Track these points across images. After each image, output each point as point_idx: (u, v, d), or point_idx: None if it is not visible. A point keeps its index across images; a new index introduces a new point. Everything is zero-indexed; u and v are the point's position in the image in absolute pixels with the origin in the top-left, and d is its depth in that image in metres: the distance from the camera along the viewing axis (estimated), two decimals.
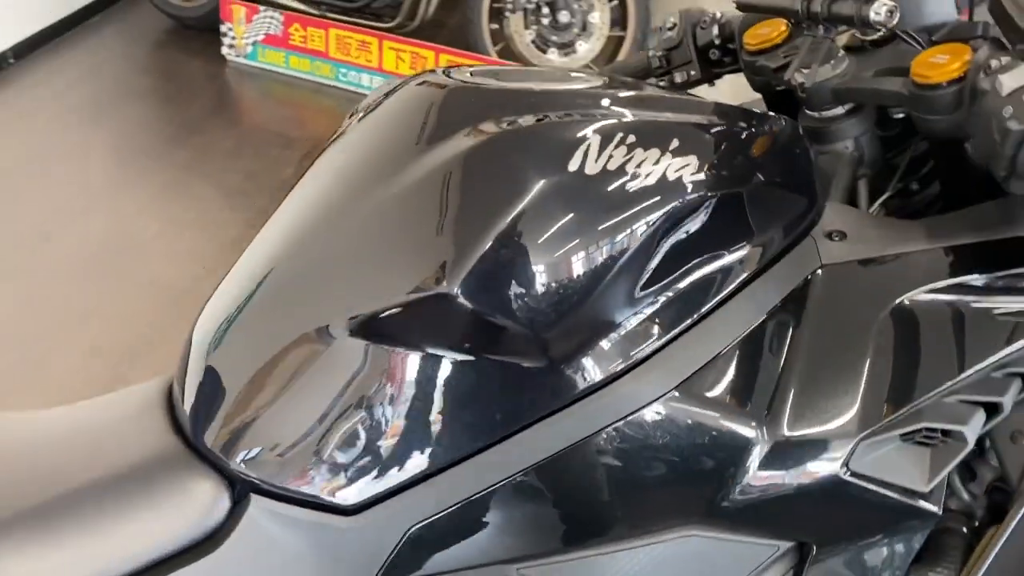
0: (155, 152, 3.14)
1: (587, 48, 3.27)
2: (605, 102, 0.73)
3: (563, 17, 3.21)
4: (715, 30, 1.03)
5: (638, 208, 0.66)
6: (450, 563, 0.70)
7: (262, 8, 3.51)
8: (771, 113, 0.85)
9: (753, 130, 0.77)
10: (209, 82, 3.62)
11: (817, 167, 0.84)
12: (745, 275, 0.73)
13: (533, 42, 3.28)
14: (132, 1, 3.99)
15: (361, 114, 0.78)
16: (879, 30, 0.82)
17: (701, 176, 0.68)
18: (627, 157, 0.66)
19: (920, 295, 0.74)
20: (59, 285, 2.49)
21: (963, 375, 0.72)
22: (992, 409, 0.73)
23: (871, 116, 0.89)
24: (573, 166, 0.65)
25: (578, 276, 0.65)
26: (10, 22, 3.52)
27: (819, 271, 0.76)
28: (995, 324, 0.74)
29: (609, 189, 0.66)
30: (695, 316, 0.71)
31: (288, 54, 3.53)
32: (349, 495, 0.68)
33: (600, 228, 0.65)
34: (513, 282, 0.64)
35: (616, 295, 0.67)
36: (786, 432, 0.70)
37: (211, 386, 0.70)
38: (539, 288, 0.64)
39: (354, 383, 0.67)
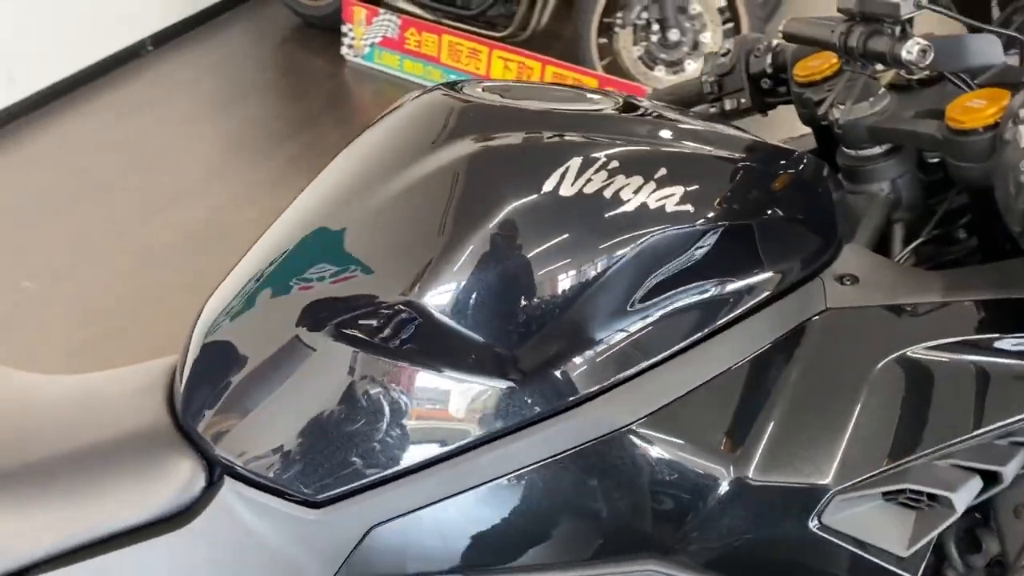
0: (267, 144, 3.29)
1: (695, 67, 3.22)
2: (604, 126, 0.72)
3: (673, 35, 3.17)
4: (768, 59, 1.00)
5: (613, 233, 0.66)
6: (408, 566, 0.71)
7: (382, 11, 3.62)
8: (794, 149, 0.83)
9: (765, 165, 0.75)
10: (327, 80, 3.76)
11: (843, 207, 0.81)
12: (740, 310, 0.72)
13: (640, 58, 3.26)
14: (263, 2, 4.19)
15: (376, 121, 0.80)
16: (913, 70, 0.79)
17: (688, 207, 0.67)
18: (606, 182, 0.66)
19: (925, 349, 0.70)
20: (164, 259, 2.65)
21: (960, 438, 0.68)
22: (991, 478, 0.68)
23: (911, 158, 0.85)
24: (548, 187, 0.65)
25: (545, 296, 0.65)
26: (152, 13, 3.76)
27: (822, 314, 0.73)
28: (1003, 388, 0.69)
29: (583, 213, 0.66)
30: (677, 346, 0.69)
31: (403, 57, 3.62)
32: (317, 489, 0.70)
33: (572, 250, 0.65)
34: (478, 296, 0.64)
35: (589, 317, 0.66)
36: (755, 475, 0.68)
37: (204, 370, 0.73)
38: (504, 304, 0.65)
39: (331, 385, 0.69)
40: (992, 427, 0.68)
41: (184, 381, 0.74)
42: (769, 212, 0.73)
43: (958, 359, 0.69)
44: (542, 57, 3.32)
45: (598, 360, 0.67)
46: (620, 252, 0.65)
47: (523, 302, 0.65)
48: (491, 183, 0.66)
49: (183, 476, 0.70)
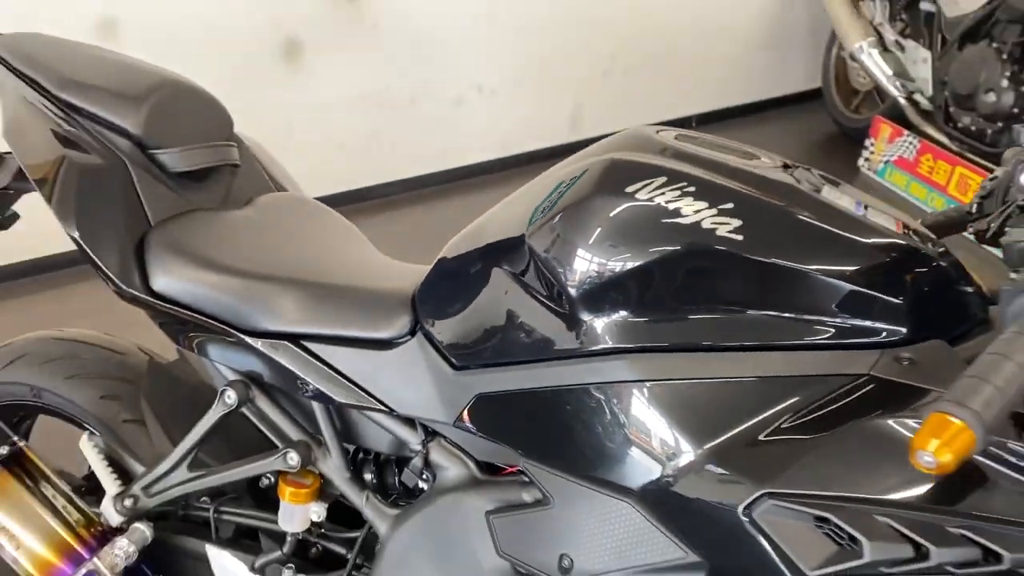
0: None
1: None
2: (731, 173, 0.90)
3: None
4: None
5: (664, 236, 0.85)
6: (491, 432, 0.98)
7: (905, 132, 3.67)
8: (929, 242, 0.89)
9: (854, 241, 0.85)
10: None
11: (954, 307, 0.86)
12: (778, 342, 0.84)
13: None
14: (810, 107, 4.49)
15: None
16: None
17: (738, 236, 0.83)
18: (676, 198, 0.85)
19: None
20: None
21: (904, 502, 0.73)
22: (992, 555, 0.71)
23: None
24: (630, 190, 0.87)
25: (603, 265, 0.87)
26: (697, 96, 4.32)
27: (858, 377, 0.81)
28: (973, 485, 0.71)
29: (647, 214, 0.86)
30: (707, 342, 0.85)
31: (911, 179, 3.62)
32: (458, 358, 1.00)
33: (631, 239, 0.86)
34: (559, 247, 0.89)
35: (636, 292, 0.86)
36: (714, 460, 0.81)
37: (432, 279, 1.08)
38: (574, 259, 0.88)
39: (490, 298, 0.98)
40: (940, 509, 0.71)
41: (421, 282, 1.09)
42: (830, 272, 0.83)
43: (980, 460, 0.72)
44: None
45: (634, 326, 0.86)
46: (664, 252, 0.85)
47: (588, 262, 0.87)
48: (600, 180, 0.90)
49: (401, 323, 1.06)
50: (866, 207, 0.94)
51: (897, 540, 0.73)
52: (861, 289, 0.84)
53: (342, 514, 1.20)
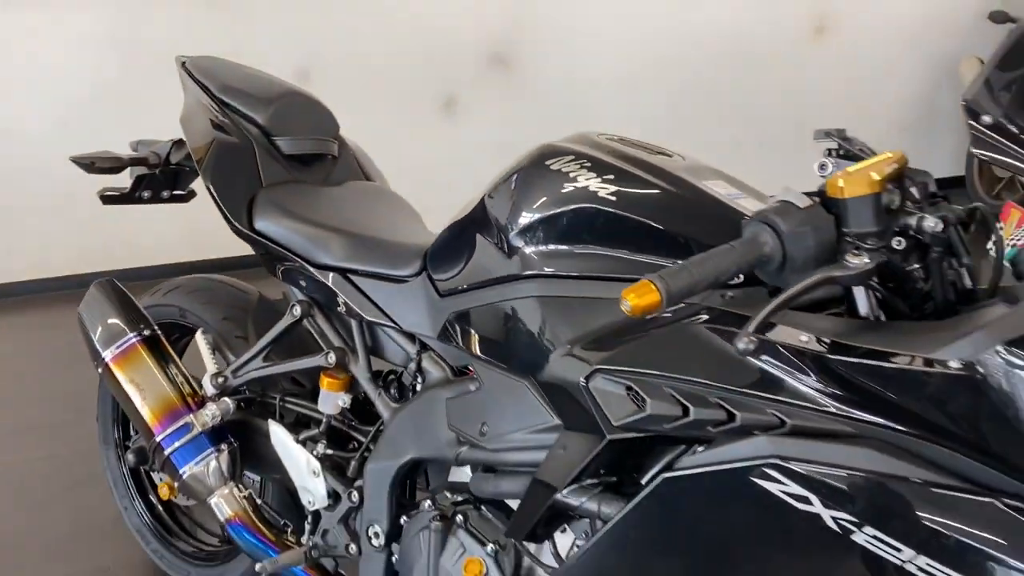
0: None
1: None
2: (638, 161, 1.22)
3: None
4: None
5: (561, 193, 1.20)
6: (456, 338, 1.34)
7: None
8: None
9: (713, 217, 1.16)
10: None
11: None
12: (637, 276, 1.16)
13: None
14: (953, 192, 4.53)
15: None
16: None
17: (613, 197, 1.16)
18: (575, 170, 1.20)
19: None
20: None
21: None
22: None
23: None
24: (547, 163, 1.23)
25: (523, 214, 1.22)
26: None
27: (692, 305, 1.11)
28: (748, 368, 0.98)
29: (552, 177, 1.21)
30: (589, 272, 1.17)
31: None
32: (442, 289, 1.38)
33: (541, 196, 1.21)
34: (500, 203, 1.25)
35: (545, 232, 1.20)
36: (575, 349, 1.13)
37: (440, 235, 1.46)
38: (508, 211, 1.23)
39: (466, 244, 1.36)
40: (701, 382, 0.99)
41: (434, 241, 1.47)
42: (678, 230, 1.13)
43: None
44: None
45: (541, 256, 1.19)
46: (561, 205, 1.19)
47: (520, 216, 1.23)
48: (533, 157, 1.26)
49: (415, 268, 1.45)
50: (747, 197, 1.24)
51: (671, 402, 1.03)
52: (702, 242, 1.14)
53: (363, 416, 1.60)
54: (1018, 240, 3.76)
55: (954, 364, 0.86)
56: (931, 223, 0.96)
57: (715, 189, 1.22)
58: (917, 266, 1.00)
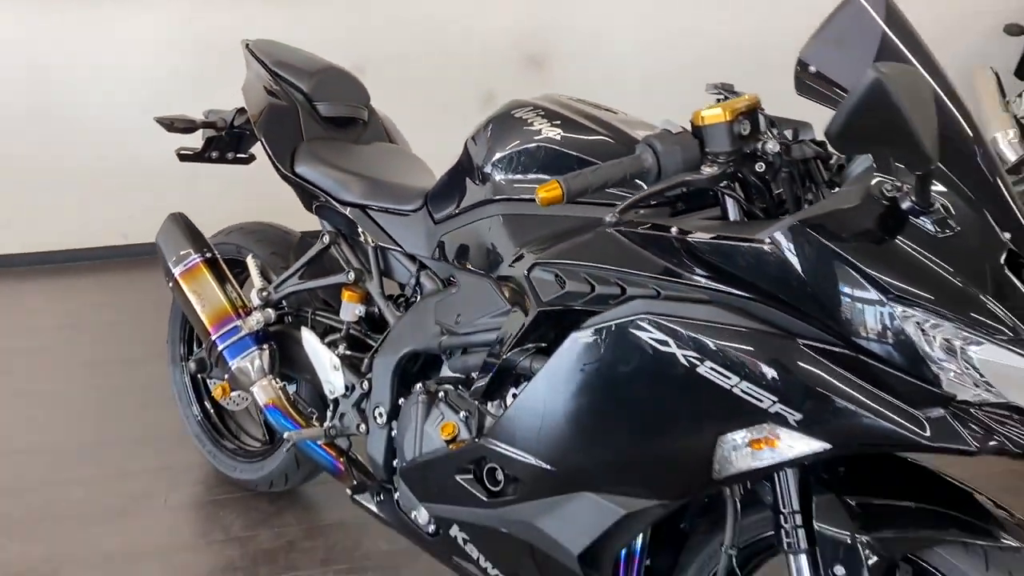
0: None
1: None
2: (589, 117, 1.57)
3: None
4: None
5: (519, 134, 1.55)
6: (444, 254, 1.71)
7: None
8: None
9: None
10: None
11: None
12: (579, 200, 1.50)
13: None
14: None
15: None
16: None
17: (559, 138, 1.51)
18: (532, 118, 1.56)
19: None
20: None
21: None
22: None
23: None
24: (513, 113, 1.58)
25: (490, 150, 1.58)
26: None
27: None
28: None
29: (515, 123, 1.56)
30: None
31: None
32: (436, 216, 1.76)
33: (505, 137, 1.56)
34: (477, 144, 1.61)
35: (506, 164, 1.55)
36: (523, 251, 1.48)
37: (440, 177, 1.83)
38: (481, 148, 1.59)
39: (455, 182, 1.73)
40: (602, 267, 1.33)
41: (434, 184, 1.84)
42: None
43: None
44: None
45: (505, 183, 1.55)
46: (518, 142, 1.54)
47: (488, 152, 1.59)
48: (503, 109, 1.62)
49: (419, 203, 1.82)
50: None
51: (583, 283, 1.37)
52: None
53: (375, 326, 1.97)
54: None
55: (766, 241, 1.19)
56: (771, 146, 1.29)
57: (638, 133, 1.56)
58: (766, 178, 1.32)
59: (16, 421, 2.85)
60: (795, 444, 1.18)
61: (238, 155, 2.40)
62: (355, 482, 1.90)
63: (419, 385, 1.74)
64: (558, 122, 1.56)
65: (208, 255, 2.10)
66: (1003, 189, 1.21)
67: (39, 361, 3.25)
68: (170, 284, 2.11)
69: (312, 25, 3.94)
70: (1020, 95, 4.21)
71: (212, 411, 2.47)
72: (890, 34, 1.31)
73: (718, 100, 1.49)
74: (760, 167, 1.31)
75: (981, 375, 1.11)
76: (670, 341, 1.24)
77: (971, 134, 1.22)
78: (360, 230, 1.91)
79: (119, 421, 2.81)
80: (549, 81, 4.14)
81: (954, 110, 1.23)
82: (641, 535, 1.48)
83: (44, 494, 2.46)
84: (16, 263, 4.15)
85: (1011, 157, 4.05)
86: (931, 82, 1.18)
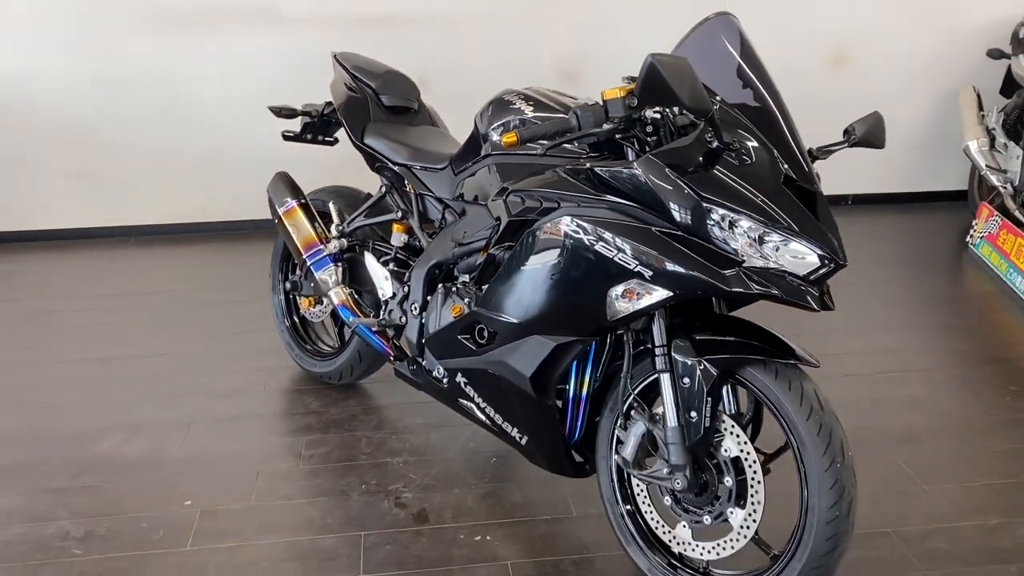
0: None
1: None
2: (545, 96, 2.36)
3: None
4: None
5: (505, 110, 2.34)
6: (464, 197, 2.53)
7: (995, 213, 4.52)
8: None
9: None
10: (949, 257, 4.79)
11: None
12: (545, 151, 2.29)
13: None
14: (957, 204, 5.34)
15: None
16: None
17: (530, 114, 2.30)
18: (515, 100, 2.35)
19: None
20: None
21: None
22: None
23: None
24: (503, 97, 2.38)
25: (485, 123, 2.37)
26: (851, 181, 5.38)
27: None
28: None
29: (504, 104, 2.36)
30: (521, 150, 2.32)
31: (993, 250, 4.46)
32: (456, 170, 2.57)
33: (496, 113, 2.35)
34: (481, 117, 2.41)
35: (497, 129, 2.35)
36: (507, 188, 2.27)
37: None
38: (483, 119, 2.39)
39: (470, 148, 2.54)
40: (552, 192, 2.12)
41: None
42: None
43: None
44: None
45: (494, 144, 2.34)
46: (501, 116, 2.33)
47: (487, 121, 2.38)
48: (497, 95, 2.41)
49: (446, 162, 2.64)
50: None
51: (536, 201, 2.16)
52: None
53: (414, 252, 2.79)
54: (985, 233, 4.60)
55: (634, 168, 1.96)
56: (650, 114, 2.05)
57: (572, 101, 2.34)
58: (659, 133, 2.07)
59: (149, 337, 3.76)
60: (651, 293, 1.94)
61: (326, 138, 3.27)
62: (396, 357, 2.72)
63: (441, 285, 2.55)
64: (532, 103, 2.36)
65: (302, 201, 2.97)
66: (788, 137, 1.94)
67: (165, 300, 4.18)
68: (276, 221, 2.98)
69: (387, 45, 4.82)
70: (991, 111, 4.83)
71: (299, 324, 3.34)
72: (731, 49, 2.05)
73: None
74: (648, 129, 2.07)
75: (763, 250, 1.86)
76: (580, 231, 2.02)
77: (770, 103, 1.96)
78: (406, 182, 2.74)
79: (230, 339, 3.70)
80: (582, 93, 4.93)
81: (762, 90, 1.97)
82: (585, 387, 2.24)
83: (174, 382, 3.36)
84: (142, 232, 5.14)
85: (981, 163, 4.68)
86: (690, 65, 1.87)
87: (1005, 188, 4.57)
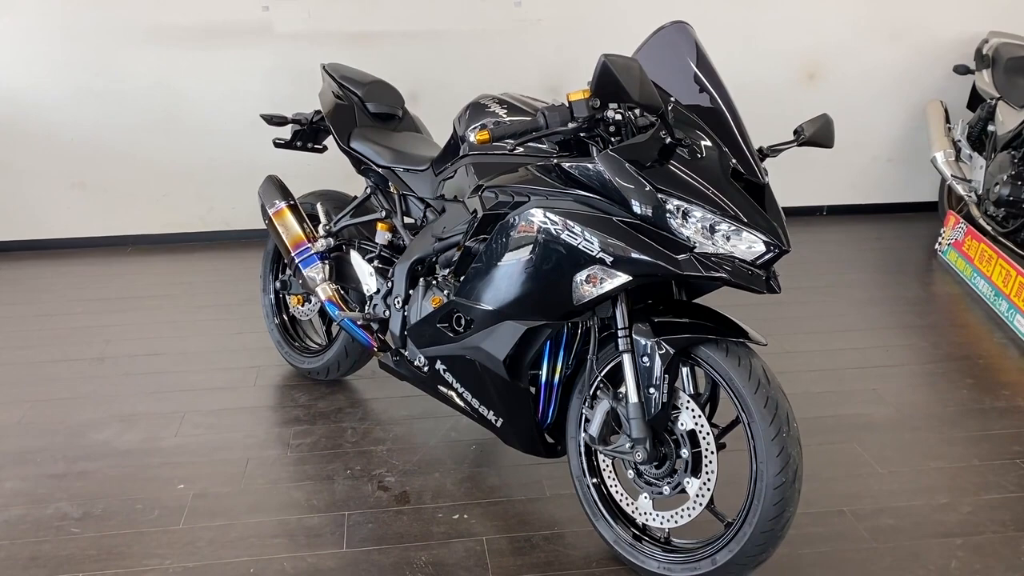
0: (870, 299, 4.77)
1: None
2: (518, 100, 2.52)
3: None
4: None
5: (481, 113, 2.50)
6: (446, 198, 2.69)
7: (961, 221, 4.70)
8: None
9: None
10: (919, 263, 4.95)
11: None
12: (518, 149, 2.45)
13: None
14: (927, 215, 5.51)
15: None
16: None
17: (503, 116, 2.46)
18: (490, 104, 2.51)
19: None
20: None
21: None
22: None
23: None
24: (479, 101, 2.54)
25: (462, 125, 2.53)
26: (826, 192, 5.55)
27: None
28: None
29: (480, 108, 2.52)
30: (500, 148, 2.48)
31: (959, 256, 4.63)
32: (436, 171, 2.73)
33: (472, 117, 2.52)
34: (459, 120, 2.58)
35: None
36: (483, 183, 2.43)
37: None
38: (460, 122, 2.55)
39: (449, 150, 2.71)
40: (524, 186, 2.28)
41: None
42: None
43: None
44: None
45: (470, 145, 2.50)
46: (477, 118, 2.49)
47: (465, 125, 2.54)
48: (473, 99, 2.57)
49: (427, 164, 2.81)
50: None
51: (508, 196, 2.32)
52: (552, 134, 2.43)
53: (397, 250, 2.95)
54: (951, 239, 4.78)
55: (596, 162, 2.12)
56: (611, 113, 2.22)
57: (542, 103, 2.51)
58: (621, 132, 2.24)
59: (145, 337, 3.91)
60: (612, 278, 2.10)
61: (315, 145, 3.43)
62: (380, 349, 2.87)
63: (422, 279, 2.71)
64: (506, 107, 2.53)
65: (291, 202, 3.13)
66: (737, 135, 2.10)
67: (161, 304, 4.32)
68: (266, 221, 3.14)
69: (378, 61, 5.01)
70: (957, 123, 5.02)
71: (288, 322, 3.49)
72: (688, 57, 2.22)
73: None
74: (612, 128, 2.24)
75: (714, 238, 2.02)
76: (547, 221, 2.19)
77: (721, 105, 2.13)
78: (390, 184, 2.91)
79: (222, 340, 3.85)
80: None
81: (714, 93, 2.14)
82: (557, 374, 2.40)
83: (169, 378, 3.50)
84: (141, 241, 5.29)
85: (947, 172, 4.87)
86: (639, 64, 2.05)
87: (970, 197, 4.75)
